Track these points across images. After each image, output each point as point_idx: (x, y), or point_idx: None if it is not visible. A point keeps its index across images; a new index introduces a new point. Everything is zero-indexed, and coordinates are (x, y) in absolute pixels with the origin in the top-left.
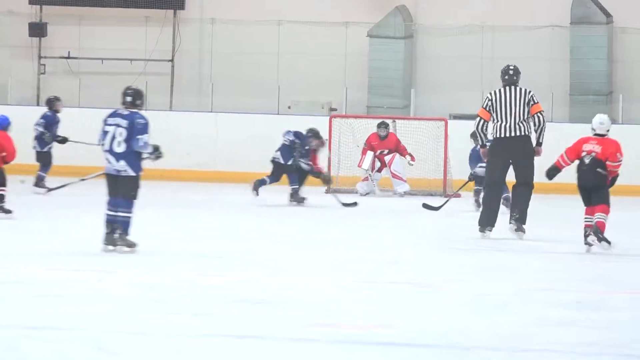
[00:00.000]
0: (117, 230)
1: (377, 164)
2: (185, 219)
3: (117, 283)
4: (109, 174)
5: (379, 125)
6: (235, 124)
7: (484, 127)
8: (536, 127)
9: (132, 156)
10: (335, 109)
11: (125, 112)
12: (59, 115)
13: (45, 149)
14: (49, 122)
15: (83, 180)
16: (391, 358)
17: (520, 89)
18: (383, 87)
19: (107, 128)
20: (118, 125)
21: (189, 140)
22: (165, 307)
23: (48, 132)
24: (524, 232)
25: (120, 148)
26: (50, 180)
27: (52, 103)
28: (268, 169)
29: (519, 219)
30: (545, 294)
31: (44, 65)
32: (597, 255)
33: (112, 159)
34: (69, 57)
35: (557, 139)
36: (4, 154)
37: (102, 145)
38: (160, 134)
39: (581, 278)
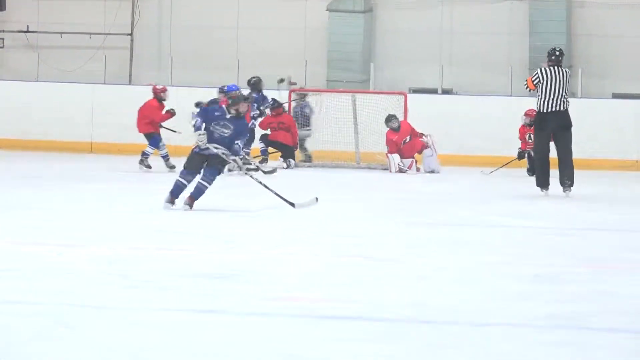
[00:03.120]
0: None
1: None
2: (146, 193)
3: (77, 257)
4: None
5: (389, 120)
6: (194, 98)
7: (529, 91)
8: None
9: None
10: (294, 83)
11: None
12: None
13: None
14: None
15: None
16: (349, 332)
17: (564, 70)
18: (342, 61)
19: None
20: None
21: None
22: (124, 281)
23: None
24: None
25: None
26: None
27: None
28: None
29: (572, 184)
30: (503, 267)
31: (3, 39)
32: (556, 229)
33: None
34: (27, 31)
35: (515, 113)
36: None
37: None
38: (119, 108)
39: (540, 251)
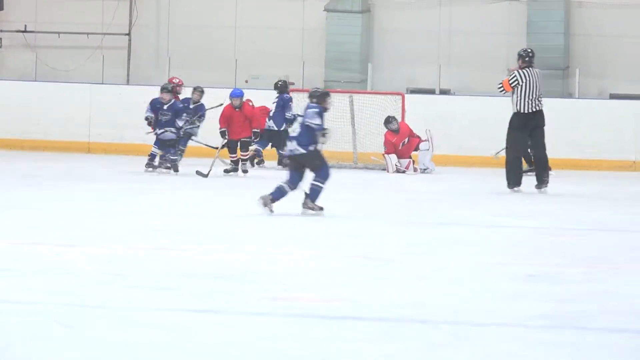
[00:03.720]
0: None
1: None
2: (145, 193)
3: (75, 256)
4: None
5: (388, 121)
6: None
7: (503, 93)
8: None
9: None
10: (292, 83)
11: None
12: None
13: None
14: None
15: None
16: (348, 331)
17: (537, 71)
18: (340, 61)
19: None
20: None
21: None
22: (123, 281)
23: None
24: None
25: None
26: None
27: None
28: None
29: (547, 182)
30: (503, 267)
31: (1, 39)
32: (554, 229)
33: None
34: (25, 31)
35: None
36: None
37: None
38: (117, 107)
39: (539, 251)
